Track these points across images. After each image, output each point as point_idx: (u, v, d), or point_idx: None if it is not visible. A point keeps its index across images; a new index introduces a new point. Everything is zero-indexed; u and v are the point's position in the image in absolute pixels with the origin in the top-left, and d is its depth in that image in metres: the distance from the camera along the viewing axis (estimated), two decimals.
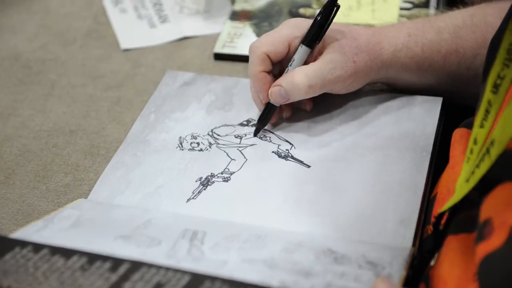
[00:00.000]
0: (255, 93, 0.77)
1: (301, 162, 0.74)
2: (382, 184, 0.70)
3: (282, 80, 0.74)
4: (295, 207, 0.69)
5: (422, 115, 0.76)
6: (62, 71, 0.93)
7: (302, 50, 0.75)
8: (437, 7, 0.97)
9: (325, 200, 0.69)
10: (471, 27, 0.77)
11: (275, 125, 0.78)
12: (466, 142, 0.60)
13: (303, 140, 0.76)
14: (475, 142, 0.55)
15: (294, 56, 0.75)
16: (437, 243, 0.61)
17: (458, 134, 0.65)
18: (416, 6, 0.98)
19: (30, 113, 0.86)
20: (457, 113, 0.77)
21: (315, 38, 0.74)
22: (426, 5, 0.98)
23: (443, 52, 0.77)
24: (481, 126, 0.55)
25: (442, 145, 0.74)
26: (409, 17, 0.96)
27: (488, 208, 0.52)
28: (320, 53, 0.75)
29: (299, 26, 0.76)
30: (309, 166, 0.73)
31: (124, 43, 0.97)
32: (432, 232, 0.62)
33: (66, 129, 0.84)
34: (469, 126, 0.63)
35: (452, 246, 0.57)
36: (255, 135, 0.77)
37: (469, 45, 0.77)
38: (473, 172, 0.54)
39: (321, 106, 0.79)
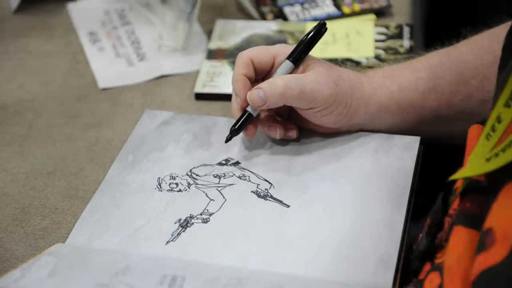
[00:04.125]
0: (234, 98, 0.78)
1: (280, 201, 0.74)
2: (361, 223, 0.70)
3: (262, 83, 0.75)
4: (275, 247, 0.68)
5: (401, 153, 0.76)
6: (40, 111, 0.92)
7: (286, 65, 0.76)
8: (411, 38, 0.98)
9: (305, 240, 0.69)
10: (447, 65, 0.78)
11: (254, 164, 0.78)
12: None
13: (282, 179, 0.76)
14: (498, 120, 0.55)
15: (277, 70, 0.77)
16: (445, 210, 0.61)
17: (475, 130, 0.66)
18: (390, 37, 0.99)
19: (7, 155, 0.86)
20: (433, 151, 0.78)
21: (300, 54, 0.76)
22: (399, 36, 0.99)
23: (420, 90, 0.77)
24: (507, 105, 0.54)
25: (420, 183, 0.74)
26: (384, 49, 0.97)
27: (492, 215, 0.53)
28: (304, 72, 0.76)
29: (286, 47, 0.78)
30: (288, 206, 0.73)
31: (102, 82, 0.96)
32: (441, 206, 0.62)
33: (44, 170, 0.83)
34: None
35: (461, 238, 0.57)
36: (226, 141, 0.78)
37: (447, 83, 0.78)
38: (496, 155, 0.53)
39: (300, 145, 0.79)
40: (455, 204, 0.61)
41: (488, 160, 0.55)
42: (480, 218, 0.56)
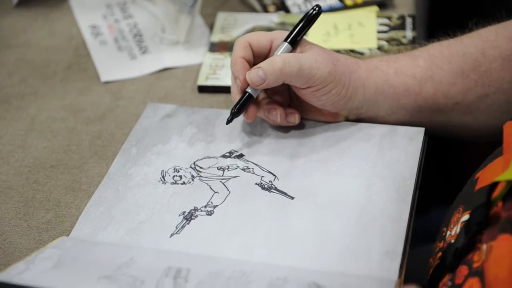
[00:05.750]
0: (233, 81, 0.78)
1: (284, 193, 0.73)
2: (366, 215, 0.69)
3: (261, 63, 0.76)
4: (279, 240, 0.68)
5: (405, 144, 0.76)
6: (42, 105, 0.92)
7: (283, 46, 0.77)
8: (413, 29, 0.98)
9: (310, 232, 0.69)
10: (447, 57, 0.78)
11: (257, 156, 0.78)
12: None
13: (286, 171, 0.76)
14: None
15: (275, 52, 0.77)
16: (488, 210, 0.60)
17: (511, 128, 0.65)
18: (392, 28, 0.99)
19: (10, 149, 0.85)
20: (437, 143, 0.77)
21: (296, 36, 0.77)
22: (402, 27, 0.99)
23: (417, 77, 0.77)
24: None
25: (424, 174, 0.74)
26: (387, 40, 0.97)
27: None
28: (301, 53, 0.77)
29: (283, 32, 0.79)
30: (292, 198, 0.73)
31: (105, 76, 0.96)
32: (484, 203, 0.60)
33: (47, 164, 0.83)
34: None
35: (509, 248, 0.56)
36: (227, 123, 0.78)
37: (445, 73, 0.77)
38: None
39: (304, 136, 0.79)
40: (497, 208, 0.60)
41: None
42: None
